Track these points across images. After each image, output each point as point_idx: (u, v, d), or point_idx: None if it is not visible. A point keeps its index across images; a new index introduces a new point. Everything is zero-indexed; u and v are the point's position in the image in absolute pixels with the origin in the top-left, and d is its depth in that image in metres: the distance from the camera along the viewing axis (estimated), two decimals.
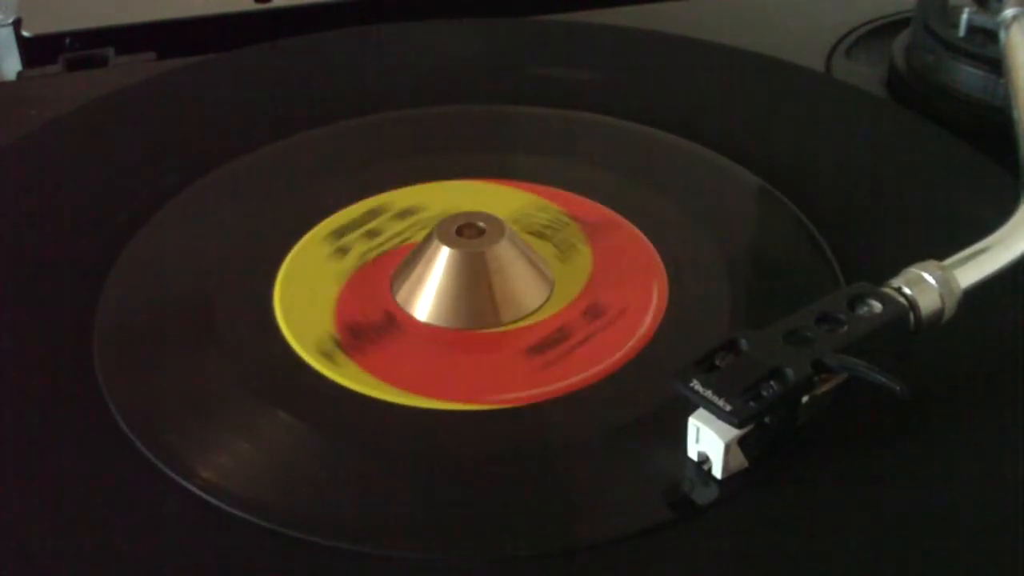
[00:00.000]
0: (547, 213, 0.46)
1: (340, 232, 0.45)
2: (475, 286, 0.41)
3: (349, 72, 0.57)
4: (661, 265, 0.43)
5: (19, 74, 0.63)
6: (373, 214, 0.46)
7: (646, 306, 0.42)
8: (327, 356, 0.39)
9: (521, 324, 0.41)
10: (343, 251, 0.44)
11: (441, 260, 0.41)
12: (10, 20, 0.65)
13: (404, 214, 0.46)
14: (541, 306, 0.42)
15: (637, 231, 0.45)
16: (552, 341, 0.40)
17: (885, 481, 0.35)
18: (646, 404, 0.37)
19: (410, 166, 0.49)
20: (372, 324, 0.41)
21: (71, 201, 0.48)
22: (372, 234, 0.45)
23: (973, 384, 0.38)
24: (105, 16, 0.65)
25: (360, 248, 0.45)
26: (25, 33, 0.64)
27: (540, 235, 0.45)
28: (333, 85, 0.56)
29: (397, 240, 0.45)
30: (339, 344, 0.40)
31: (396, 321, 0.41)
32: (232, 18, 0.66)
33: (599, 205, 0.47)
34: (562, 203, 0.47)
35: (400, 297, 0.42)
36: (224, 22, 0.66)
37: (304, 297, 0.42)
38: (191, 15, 0.66)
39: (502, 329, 0.41)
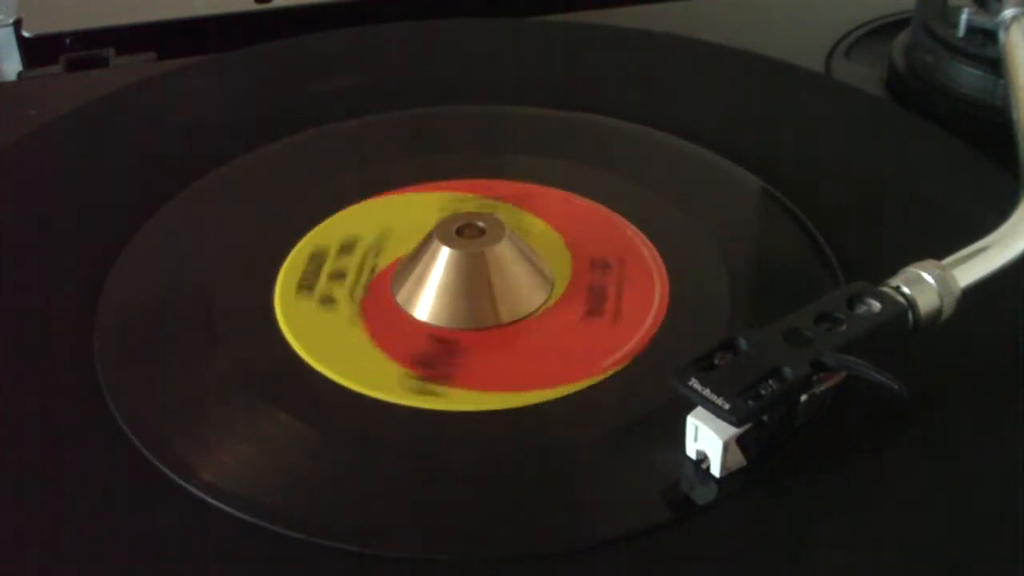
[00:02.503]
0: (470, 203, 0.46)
1: (306, 284, 0.43)
2: (475, 286, 0.41)
3: (349, 72, 0.57)
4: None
5: (19, 74, 0.63)
6: (318, 258, 0.44)
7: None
8: (424, 392, 0.38)
9: (521, 323, 0.41)
10: (329, 300, 0.42)
11: (441, 260, 0.41)
12: (10, 20, 0.65)
13: (346, 248, 0.44)
14: (541, 306, 0.42)
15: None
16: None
17: (884, 480, 0.35)
18: (646, 404, 0.37)
19: (410, 166, 0.49)
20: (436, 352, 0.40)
21: (71, 201, 0.48)
22: (338, 275, 0.43)
23: (972, 383, 0.38)
24: (105, 16, 0.65)
25: (340, 291, 0.42)
26: (25, 33, 0.64)
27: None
28: (332, 85, 0.56)
29: (367, 272, 0.43)
30: (422, 379, 0.39)
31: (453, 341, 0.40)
32: (232, 18, 0.66)
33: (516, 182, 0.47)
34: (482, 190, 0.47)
35: (400, 297, 0.42)
36: (224, 22, 0.66)
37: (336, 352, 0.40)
38: (191, 15, 0.66)
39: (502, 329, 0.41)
